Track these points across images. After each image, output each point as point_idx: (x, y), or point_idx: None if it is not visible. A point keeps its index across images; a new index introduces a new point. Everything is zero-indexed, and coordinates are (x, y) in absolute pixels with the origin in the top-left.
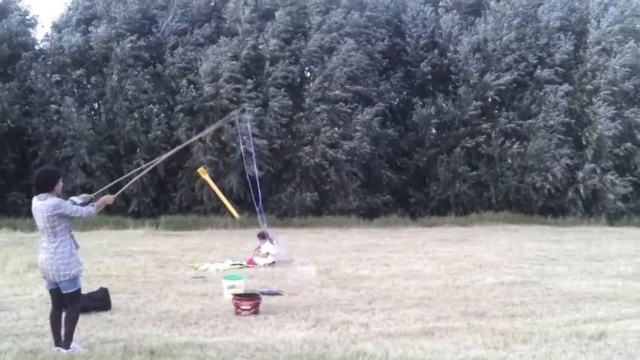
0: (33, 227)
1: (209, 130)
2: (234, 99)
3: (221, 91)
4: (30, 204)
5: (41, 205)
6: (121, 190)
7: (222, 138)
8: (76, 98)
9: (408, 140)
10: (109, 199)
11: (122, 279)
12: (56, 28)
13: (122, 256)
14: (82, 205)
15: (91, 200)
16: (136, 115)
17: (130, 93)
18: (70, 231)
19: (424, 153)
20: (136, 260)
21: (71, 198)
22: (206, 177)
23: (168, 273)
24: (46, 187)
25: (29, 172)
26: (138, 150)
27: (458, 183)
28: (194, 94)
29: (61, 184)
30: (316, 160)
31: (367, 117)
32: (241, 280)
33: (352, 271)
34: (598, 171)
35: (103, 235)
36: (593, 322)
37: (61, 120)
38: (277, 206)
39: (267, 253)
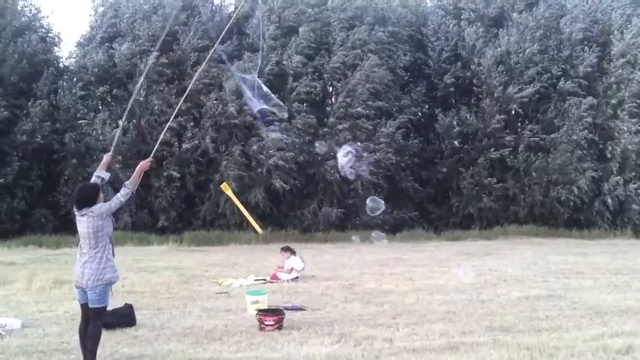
0: (58, 244)
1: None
2: (258, 114)
3: (245, 107)
4: (56, 221)
5: (90, 214)
6: (152, 153)
7: (249, 152)
8: (106, 113)
9: (431, 151)
10: (144, 165)
11: (147, 295)
12: (80, 45)
13: (147, 272)
14: (102, 178)
15: (111, 162)
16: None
17: (156, 107)
18: (110, 238)
19: (446, 164)
20: (161, 276)
21: (95, 174)
22: (229, 192)
23: (193, 289)
24: (88, 202)
25: (55, 189)
26: (165, 163)
27: (483, 196)
28: (219, 110)
29: (101, 196)
30: (341, 174)
31: (390, 129)
32: (265, 296)
33: (376, 286)
34: (622, 182)
35: (128, 252)
36: (620, 337)
37: (93, 133)
38: (300, 222)
39: (292, 269)
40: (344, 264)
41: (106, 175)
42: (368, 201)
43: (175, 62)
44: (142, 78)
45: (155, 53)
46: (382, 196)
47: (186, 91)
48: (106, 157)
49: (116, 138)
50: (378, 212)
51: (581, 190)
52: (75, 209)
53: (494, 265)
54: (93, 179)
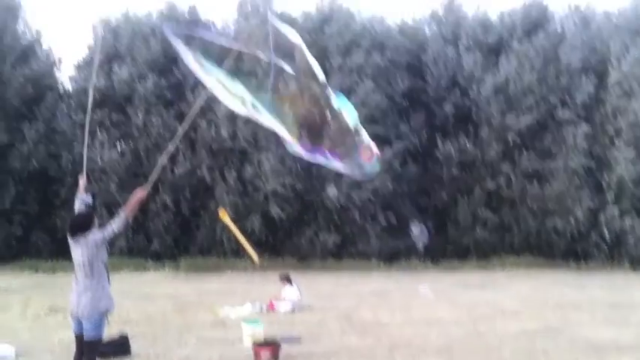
0: (55, 269)
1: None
2: (252, 140)
3: (238, 132)
4: (52, 245)
5: (84, 242)
6: (151, 181)
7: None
8: (104, 135)
9: (429, 179)
10: (141, 194)
11: (142, 323)
12: (80, 68)
13: (142, 300)
14: (87, 203)
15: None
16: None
17: (154, 130)
18: (106, 266)
19: (446, 192)
20: (156, 304)
21: (78, 199)
22: (226, 219)
23: (188, 317)
24: (82, 229)
25: (52, 213)
26: (160, 188)
27: (478, 228)
28: (213, 134)
29: (96, 223)
30: (341, 200)
31: (388, 156)
32: (261, 326)
33: (372, 317)
34: (618, 214)
35: (124, 278)
36: None
37: (91, 156)
38: (297, 249)
39: (287, 298)
40: (340, 293)
41: (88, 198)
42: (413, 228)
43: (174, 85)
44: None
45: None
46: (379, 225)
47: (186, 119)
48: (82, 179)
49: (84, 161)
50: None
51: (578, 220)
52: (69, 237)
53: (492, 297)
54: (76, 204)
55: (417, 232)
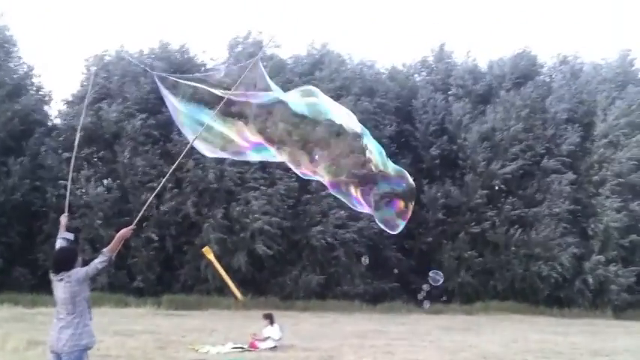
0: (35, 303)
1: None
2: (239, 181)
3: (225, 174)
4: (33, 279)
5: (67, 279)
6: (137, 219)
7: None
8: (91, 171)
9: (415, 222)
10: (125, 233)
11: None
12: (70, 104)
13: (123, 336)
14: (69, 240)
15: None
16: (147, 190)
17: (140, 169)
18: (88, 302)
19: (430, 235)
20: (137, 340)
21: (60, 237)
22: (211, 257)
23: (169, 355)
24: (66, 266)
25: (34, 247)
26: (145, 224)
27: (462, 272)
28: (200, 174)
29: (79, 260)
30: (327, 239)
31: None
32: None
33: (355, 359)
34: (603, 261)
35: (105, 314)
36: None
37: (76, 190)
38: (281, 288)
39: (268, 337)
40: (323, 334)
41: (70, 236)
42: (431, 273)
43: (162, 124)
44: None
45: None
46: (364, 266)
47: (175, 164)
48: (64, 219)
49: (67, 199)
50: (439, 283)
51: (563, 266)
52: (52, 273)
53: (474, 341)
54: (58, 242)
55: (434, 275)
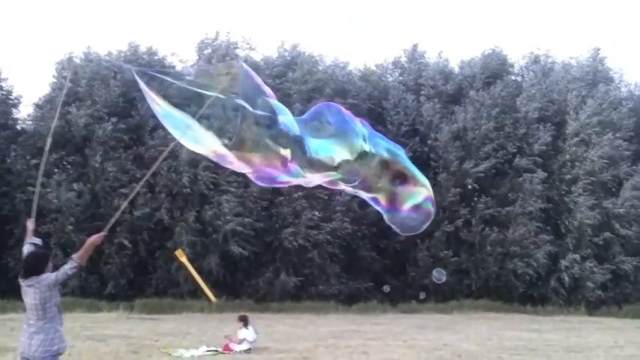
0: (5, 309)
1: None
2: (212, 186)
3: (199, 178)
4: (3, 285)
5: (37, 285)
6: (108, 225)
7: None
8: (62, 175)
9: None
10: (95, 239)
11: None
12: (38, 107)
13: (94, 341)
14: (37, 244)
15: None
16: (119, 195)
17: (111, 174)
18: (58, 307)
19: (403, 235)
20: (109, 345)
21: (28, 243)
22: (183, 259)
23: (142, 359)
24: (36, 270)
25: (4, 253)
26: (119, 229)
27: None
28: (174, 177)
29: (50, 265)
30: (299, 241)
31: (347, 198)
32: None
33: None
34: (578, 259)
35: (76, 318)
36: None
37: (47, 195)
38: (255, 291)
39: (243, 339)
40: (298, 335)
41: (38, 241)
42: (434, 272)
43: (133, 128)
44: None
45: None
46: (339, 266)
47: (149, 172)
48: (30, 224)
49: (34, 204)
50: (442, 281)
51: (538, 263)
52: (21, 279)
53: (449, 339)
54: (26, 247)
55: (437, 273)
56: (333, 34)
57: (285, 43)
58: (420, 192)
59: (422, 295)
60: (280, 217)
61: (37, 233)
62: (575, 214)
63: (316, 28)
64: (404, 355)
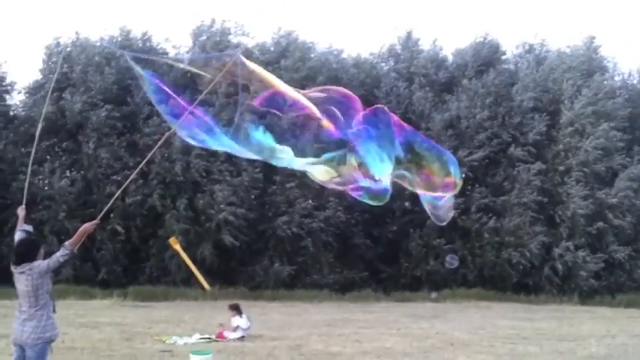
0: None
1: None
2: (204, 174)
3: (192, 165)
4: None
5: (29, 272)
6: (102, 213)
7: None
8: (56, 163)
9: (382, 208)
10: (88, 227)
11: (87, 352)
12: (30, 93)
13: (88, 328)
14: (29, 232)
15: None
16: (112, 182)
17: (104, 161)
18: (51, 294)
19: (397, 224)
20: (102, 332)
21: (19, 230)
22: (177, 247)
23: (135, 346)
24: (28, 257)
25: None
26: (112, 215)
27: (431, 259)
28: (167, 165)
29: (42, 252)
30: (293, 229)
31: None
32: (210, 355)
33: (323, 348)
34: (572, 248)
35: (70, 306)
36: None
37: (38, 182)
38: (250, 278)
39: (237, 327)
40: (291, 323)
41: (29, 227)
42: (447, 257)
43: (127, 115)
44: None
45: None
46: (332, 254)
47: (145, 159)
48: (21, 211)
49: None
50: (454, 266)
51: (532, 253)
52: (13, 266)
53: (442, 328)
54: (18, 234)
55: (450, 259)
56: (330, 19)
57: (280, 30)
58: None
59: (433, 295)
60: (274, 206)
61: (30, 220)
62: (568, 205)
63: (314, 14)
64: (396, 343)
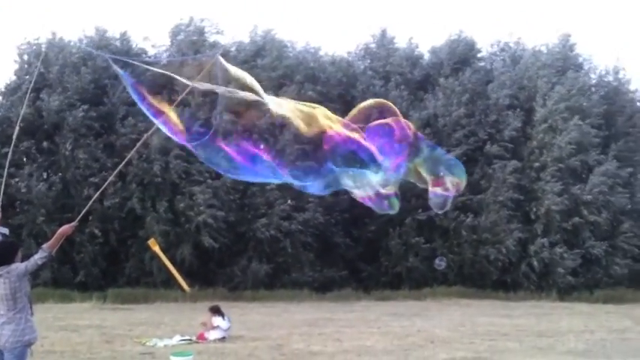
0: None
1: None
2: (183, 175)
3: (170, 166)
4: None
5: (7, 275)
6: (80, 216)
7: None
8: (33, 166)
9: (361, 208)
10: (66, 230)
11: (67, 355)
12: (5, 95)
13: (67, 331)
14: (4, 234)
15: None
16: (90, 185)
17: (82, 162)
18: (29, 297)
19: (376, 223)
20: (82, 335)
21: None
22: (156, 249)
23: (115, 349)
24: (6, 260)
25: None
26: (90, 218)
27: (410, 257)
28: (145, 166)
29: (20, 254)
30: (271, 232)
31: None
32: (190, 357)
33: (304, 347)
34: (547, 245)
35: (48, 309)
36: None
37: (16, 184)
38: (229, 279)
39: (217, 327)
40: (272, 323)
41: (6, 230)
42: (436, 260)
43: (104, 116)
44: None
45: None
46: (312, 254)
47: (126, 159)
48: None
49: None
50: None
51: (509, 250)
52: None
53: (423, 325)
54: None
55: (439, 261)
56: (307, 17)
57: (257, 28)
58: None
59: (442, 263)
60: (253, 208)
61: (7, 225)
62: (543, 201)
63: (291, 12)
64: (377, 341)
